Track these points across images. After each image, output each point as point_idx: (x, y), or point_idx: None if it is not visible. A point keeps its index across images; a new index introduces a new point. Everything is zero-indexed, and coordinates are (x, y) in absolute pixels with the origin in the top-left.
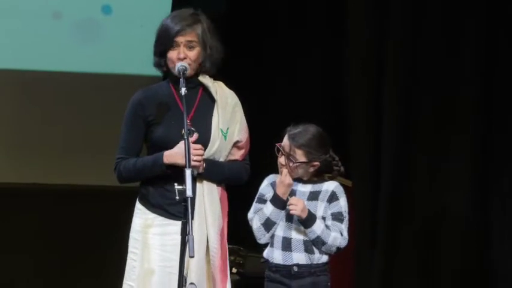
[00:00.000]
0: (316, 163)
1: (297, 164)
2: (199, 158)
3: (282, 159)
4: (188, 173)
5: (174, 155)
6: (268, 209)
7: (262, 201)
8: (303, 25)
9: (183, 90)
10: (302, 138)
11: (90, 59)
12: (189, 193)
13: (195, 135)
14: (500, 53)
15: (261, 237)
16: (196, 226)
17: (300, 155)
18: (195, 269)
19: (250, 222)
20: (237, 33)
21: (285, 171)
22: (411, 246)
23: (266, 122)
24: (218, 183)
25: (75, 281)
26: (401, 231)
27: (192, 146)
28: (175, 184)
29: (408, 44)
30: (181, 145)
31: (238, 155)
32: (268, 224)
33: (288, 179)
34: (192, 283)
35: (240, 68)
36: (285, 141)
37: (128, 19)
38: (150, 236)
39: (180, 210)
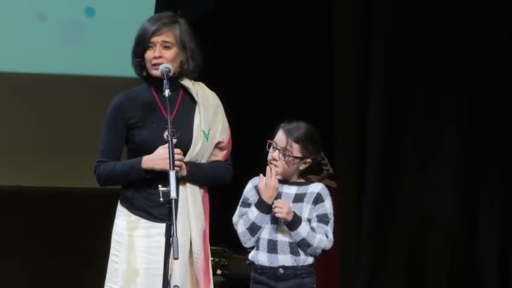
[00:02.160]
0: (309, 160)
1: (292, 157)
2: (179, 163)
3: (275, 154)
4: (172, 174)
5: (151, 159)
6: (253, 213)
7: (247, 204)
8: (289, 25)
9: (167, 92)
10: (298, 132)
11: (74, 61)
12: (173, 195)
13: (174, 140)
14: (490, 52)
15: (247, 241)
16: (180, 228)
17: (296, 150)
18: (178, 271)
19: (235, 227)
20: (225, 33)
21: (272, 171)
22: (398, 246)
23: (253, 122)
24: (201, 186)
25: (64, 282)
26: (388, 231)
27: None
28: (160, 186)
29: (396, 42)
30: (159, 150)
31: (220, 155)
32: (254, 229)
33: (274, 181)
34: (176, 286)
35: (227, 69)
36: (280, 136)
37: (111, 21)
38: (135, 238)
39: (163, 212)
